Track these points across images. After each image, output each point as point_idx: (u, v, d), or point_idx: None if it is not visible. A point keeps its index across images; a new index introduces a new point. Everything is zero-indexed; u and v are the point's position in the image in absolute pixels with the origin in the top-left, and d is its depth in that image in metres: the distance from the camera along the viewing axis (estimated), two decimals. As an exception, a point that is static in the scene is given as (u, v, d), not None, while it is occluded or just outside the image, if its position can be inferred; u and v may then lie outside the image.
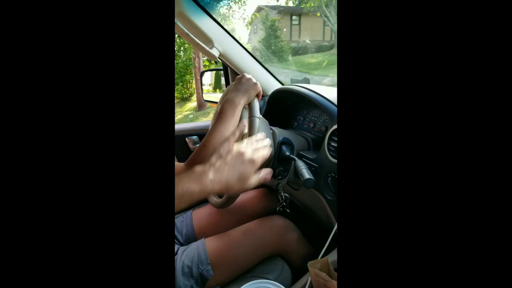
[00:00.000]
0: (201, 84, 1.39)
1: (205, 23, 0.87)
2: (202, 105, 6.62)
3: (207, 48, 0.89)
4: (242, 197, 0.83)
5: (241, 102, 0.59)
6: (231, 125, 0.57)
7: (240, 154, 0.45)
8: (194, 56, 6.55)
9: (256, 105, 0.61)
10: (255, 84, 0.63)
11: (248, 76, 0.64)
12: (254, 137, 0.50)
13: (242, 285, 0.52)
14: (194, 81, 7.03)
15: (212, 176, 0.42)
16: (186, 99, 7.76)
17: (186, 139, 1.10)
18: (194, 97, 7.17)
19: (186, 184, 0.41)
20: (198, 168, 0.43)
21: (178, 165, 0.61)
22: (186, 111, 7.10)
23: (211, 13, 0.89)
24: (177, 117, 6.77)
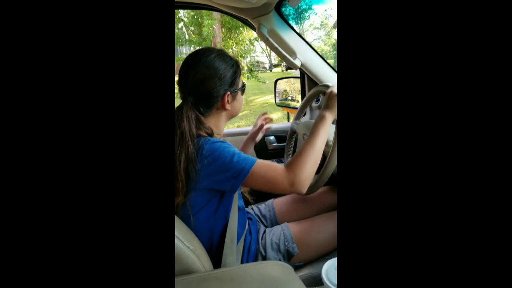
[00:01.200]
0: (275, 90, 1.53)
1: (290, 37, 1.00)
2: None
3: (291, 59, 1.01)
4: (319, 191, 0.93)
5: (331, 117, 0.69)
6: (323, 138, 0.67)
7: None
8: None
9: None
10: None
11: (335, 92, 0.71)
12: None
13: (322, 265, 0.61)
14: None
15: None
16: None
17: (265, 138, 1.24)
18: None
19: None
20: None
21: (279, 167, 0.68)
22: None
23: (295, 29, 1.01)
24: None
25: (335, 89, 0.72)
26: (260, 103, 7.52)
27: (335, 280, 0.55)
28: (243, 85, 0.72)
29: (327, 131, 0.67)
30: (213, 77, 0.65)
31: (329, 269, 0.58)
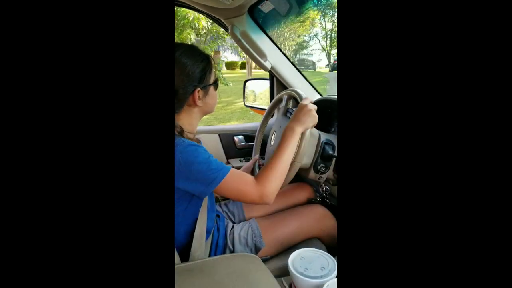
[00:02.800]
0: (244, 92, 1.56)
1: (261, 40, 1.04)
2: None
3: (262, 61, 1.05)
4: (285, 188, 0.97)
5: (300, 130, 0.69)
6: (291, 150, 0.68)
7: None
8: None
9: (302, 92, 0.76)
10: (313, 116, 0.71)
11: (308, 106, 0.71)
12: None
13: (288, 258, 0.64)
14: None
15: None
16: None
17: (234, 138, 1.25)
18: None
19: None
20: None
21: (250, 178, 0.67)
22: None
23: (267, 33, 1.05)
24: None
25: (306, 101, 0.73)
26: (225, 112, 6.28)
27: (300, 269, 0.59)
28: (216, 80, 0.72)
29: (295, 143, 0.69)
30: (179, 74, 0.64)
31: (295, 259, 0.62)
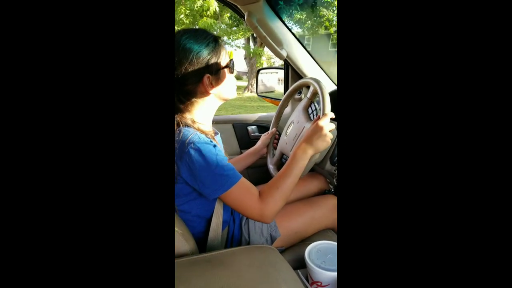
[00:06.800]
0: (257, 80, 1.54)
1: (278, 27, 1.01)
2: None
3: (278, 49, 1.03)
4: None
5: (311, 153, 0.67)
6: (299, 170, 0.66)
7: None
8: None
9: (328, 103, 0.71)
10: (327, 141, 0.67)
11: (324, 130, 0.66)
12: None
13: (303, 249, 0.65)
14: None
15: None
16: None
17: (248, 128, 1.25)
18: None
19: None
20: None
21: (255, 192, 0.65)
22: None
23: (284, 20, 1.02)
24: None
25: (324, 122, 0.67)
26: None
27: (317, 262, 0.59)
28: (229, 62, 0.66)
29: (305, 164, 0.67)
30: (183, 63, 0.59)
31: (311, 251, 0.62)
